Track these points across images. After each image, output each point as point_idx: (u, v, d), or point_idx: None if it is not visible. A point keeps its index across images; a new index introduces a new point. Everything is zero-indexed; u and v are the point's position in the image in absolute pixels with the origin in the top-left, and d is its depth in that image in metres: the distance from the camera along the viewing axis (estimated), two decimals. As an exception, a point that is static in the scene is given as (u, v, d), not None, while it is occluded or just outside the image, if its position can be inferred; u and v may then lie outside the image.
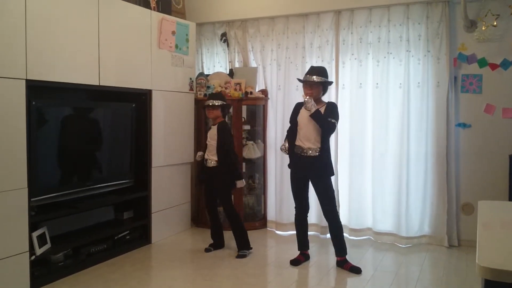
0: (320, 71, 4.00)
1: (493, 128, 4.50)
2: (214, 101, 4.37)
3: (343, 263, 4.03)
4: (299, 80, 4.14)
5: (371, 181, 4.88)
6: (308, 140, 3.98)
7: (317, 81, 3.92)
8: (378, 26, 4.82)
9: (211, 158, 4.40)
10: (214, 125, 4.44)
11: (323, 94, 4.07)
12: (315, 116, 3.90)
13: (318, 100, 3.99)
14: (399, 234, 4.73)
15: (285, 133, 5.19)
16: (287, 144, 4.14)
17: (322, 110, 3.95)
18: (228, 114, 4.84)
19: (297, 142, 4.04)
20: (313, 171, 4.01)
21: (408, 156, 4.72)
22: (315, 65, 5.09)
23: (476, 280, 3.54)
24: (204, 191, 4.68)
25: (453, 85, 4.59)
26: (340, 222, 4.08)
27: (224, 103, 4.42)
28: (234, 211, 4.44)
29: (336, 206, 4.12)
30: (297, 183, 4.14)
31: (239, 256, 4.31)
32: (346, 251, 4.07)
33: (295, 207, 4.22)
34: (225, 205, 4.44)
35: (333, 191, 4.07)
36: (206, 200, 4.65)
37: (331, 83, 4.14)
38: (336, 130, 4.32)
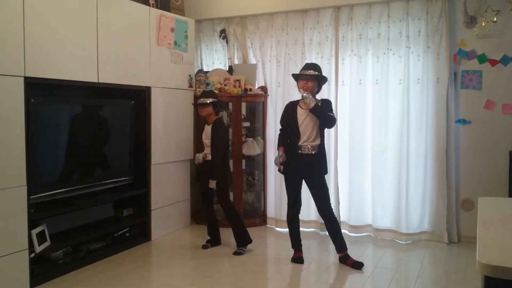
0: (315, 66, 4.04)
1: (493, 124, 4.49)
2: (205, 99, 4.35)
3: (345, 259, 4.02)
4: (294, 75, 4.13)
5: (371, 178, 4.87)
6: (306, 137, 3.96)
7: (313, 74, 3.93)
8: (378, 22, 4.80)
9: (209, 152, 4.38)
10: (208, 124, 4.41)
11: (318, 91, 4.07)
12: (315, 110, 3.88)
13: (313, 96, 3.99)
14: (399, 230, 4.73)
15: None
16: (282, 154, 4.05)
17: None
18: (226, 111, 4.78)
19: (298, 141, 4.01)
20: (309, 168, 3.99)
21: (408, 152, 4.71)
22: (314, 62, 5.10)
23: (476, 277, 3.53)
24: (200, 187, 4.64)
25: (453, 81, 4.58)
26: (336, 218, 4.11)
27: (215, 100, 4.38)
28: (232, 207, 4.45)
29: (330, 203, 4.09)
30: (292, 181, 4.11)
31: (236, 253, 4.31)
32: (346, 246, 4.07)
33: (288, 205, 4.19)
34: (222, 202, 4.44)
35: (327, 188, 4.07)
36: (202, 196, 4.63)
37: (326, 79, 4.10)
38: (336, 126, 4.32)
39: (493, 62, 4.48)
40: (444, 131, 4.57)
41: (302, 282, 3.73)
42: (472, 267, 3.88)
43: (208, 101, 4.34)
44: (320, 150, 3.99)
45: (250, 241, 4.41)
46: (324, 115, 3.90)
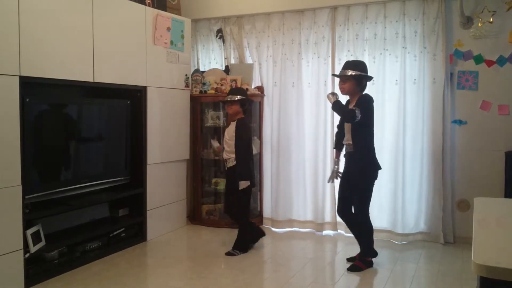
0: (354, 64, 3.93)
1: (489, 125, 4.50)
2: (233, 96, 4.27)
3: (354, 259, 4.04)
4: (334, 75, 4.16)
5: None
6: (346, 136, 3.95)
7: (348, 74, 3.85)
8: (374, 22, 4.81)
9: (231, 156, 4.30)
10: (233, 121, 4.35)
11: (361, 90, 3.92)
12: (334, 107, 3.92)
13: (354, 95, 3.90)
14: (395, 231, 4.73)
15: (281, 130, 5.22)
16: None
17: (353, 103, 3.87)
18: (222, 111, 4.77)
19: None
20: (348, 168, 3.98)
21: (404, 153, 4.72)
22: (310, 62, 5.11)
23: (471, 277, 3.53)
24: (225, 193, 4.51)
25: (449, 82, 4.59)
26: (366, 225, 3.95)
27: (243, 97, 4.29)
28: (247, 210, 4.42)
29: (365, 209, 3.94)
30: (341, 179, 4.11)
31: (229, 254, 4.29)
32: (363, 253, 3.98)
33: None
34: (240, 202, 4.34)
35: (366, 194, 3.90)
36: (226, 202, 4.52)
37: (367, 77, 3.92)
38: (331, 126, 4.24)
39: (489, 63, 4.49)
40: (440, 132, 4.58)
41: (298, 283, 3.72)
42: (467, 268, 3.89)
43: (236, 98, 4.25)
44: (356, 149, 3.86)
45: (246, 251, 4.37)
46: (340, 110, 3.88)
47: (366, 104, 3.85)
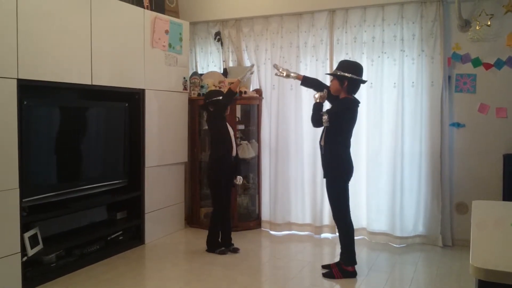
0: (341, 64, 3.85)
1: (487, 127, 4.51)
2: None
3: (329, 266, 3.95)
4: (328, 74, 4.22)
5: (366, 181, 4.87)
6: (322, 136, 3.86)
7: (332, 73, 3.87)
8: (373, 25, 4.81)
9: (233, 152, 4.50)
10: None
11: (348, 91, 3.75)
12: (313, 107, 3.83)
13: (341, 95, 3.79)
14: (393, 234, 4.73)
15: (279, 133, 5.23)
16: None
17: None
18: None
19: None
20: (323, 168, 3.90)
21: (402, 156, 4.72)
22: (309, 65, 5.12)
23: (470, 280, 3.54)
24: (224, 190, 4.44)
25: (447, 85, 4.59)
26: (343, 228, 3.83)
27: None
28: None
29: (338, 213, 3.82)
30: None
31: (235, 250, 4.44)
32: (343, 258, 3.85)
33: None
34: (230, 201, 4.60)
35: (336, 197, 3.80)
36: (225, 199, 4.47)
37: (351, 79, 3.70)
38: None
39: (487, 66, 4.50)
40: (439, 135, 4.58)
41: (296, 285, 3.72)
42: (466, 271, 3.88)
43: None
44: (326, 151, 3.79)
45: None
46: (312, 112, 3.80)
47: (339, 111, 3.75)
